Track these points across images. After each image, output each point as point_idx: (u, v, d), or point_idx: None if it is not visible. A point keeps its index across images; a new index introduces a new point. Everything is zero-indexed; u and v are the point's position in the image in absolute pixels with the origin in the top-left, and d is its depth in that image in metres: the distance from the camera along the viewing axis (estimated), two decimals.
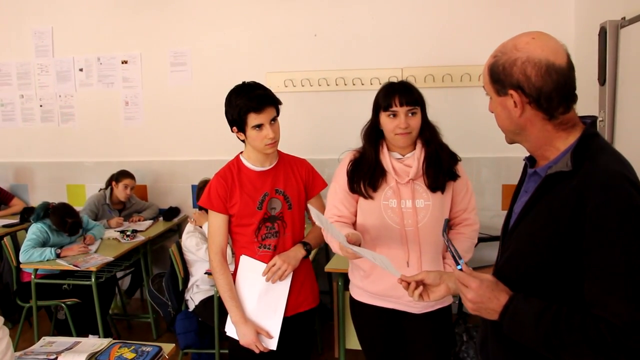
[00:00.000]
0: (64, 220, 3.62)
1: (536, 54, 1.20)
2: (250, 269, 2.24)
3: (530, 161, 1.38)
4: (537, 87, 1.20)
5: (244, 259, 2.26)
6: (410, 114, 2.04)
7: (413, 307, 2.15)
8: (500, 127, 1.34)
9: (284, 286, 2.25)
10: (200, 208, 3.40)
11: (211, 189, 2.23)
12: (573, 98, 1.25)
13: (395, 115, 2.04)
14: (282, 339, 2.24)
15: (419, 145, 2.11)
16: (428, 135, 2.10)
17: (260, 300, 2.24)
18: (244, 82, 2.18)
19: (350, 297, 2.31)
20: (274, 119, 2.15)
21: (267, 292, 2.23)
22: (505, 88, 1.24)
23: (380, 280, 2.14)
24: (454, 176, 2.12)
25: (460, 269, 1.31)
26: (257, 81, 2.20)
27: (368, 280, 2.18)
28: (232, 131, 2.19)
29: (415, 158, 2.09)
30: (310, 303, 2.37)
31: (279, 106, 2.18)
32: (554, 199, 1.21)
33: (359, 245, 1.93)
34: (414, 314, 2.17)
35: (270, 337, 2.23)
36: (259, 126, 2.11)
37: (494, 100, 1.30)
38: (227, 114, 2.16)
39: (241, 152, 2.30)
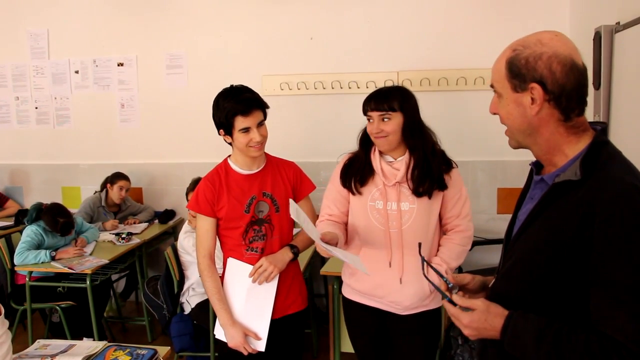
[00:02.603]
0: (55, 219, 3.61)
1: (562, 50, 1.17)
2: (238, 271, 2.24)
3: (537, 167, 1.35)
4: (561, 85, 1.17)
5: (231, 262, 2.27)
6: (383, 119, 2.09)
7: (395, 308, 2.19)
8: (510, 126, 1.28)
9: (271, 288, 2.25)
10: None
11: (199, 193, 2.24)
12: (586, 101, 1.22)
13: (372, 120, 2.12)
14: (271, 341, 2.25)
15: (407, 151, 2.15)
16: (412, 142, 2.12)
17: (248, 302, 2.24)
18: (231, 86, 2.18)
19: (342, 295, 2.37)
20: (261, 123, 2.16)
21: (254, 294, 2.23)
22: (527, 82, 1.19)
23: (364, 279, 2.20)
24: (443, 186, 2.13)
25: (450, 301, 1.30)
26: (252, 84, 2.22)
27: (354, 278, 2.25)
28: (219, 134, 2.20)
29: (403, 162, 2.13)
30: (299, 305, 2.37)
31: (267, 110, 2.19)
32: (561, 209, 1.17)
33: (336, 244, 2.02)
34: (398, 314, 2.20)
35: (259, 338, 2.23)
36: (246, 129, 2.11)
37: (507, 98, 1.25)
38: (215, 116, 2.17)
39: (229, 156, 2.30)
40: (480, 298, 1.28)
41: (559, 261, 1.16)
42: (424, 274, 1.52)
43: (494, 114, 1.32)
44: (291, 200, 2.03)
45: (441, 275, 1.40)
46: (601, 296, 1.10)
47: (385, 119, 2.09)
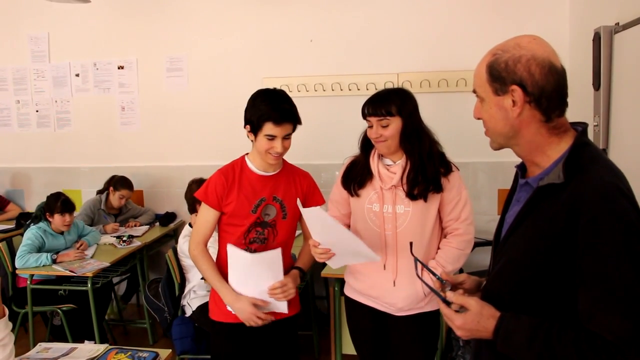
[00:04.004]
0: (57, 197, 3.67)
1: (539, 53, 1.21)
2: (239, 258, 2.19)
3: (522, 170, 1.37)
4: (540, 86, 1.20)
5: (232, 248, 2.19)
6: (382, 125, 2.10)
7: (390, 309, 2.21)
8: (492, 129, 1.31)
9: (278, 276, 2.20)
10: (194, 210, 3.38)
11: (210, 184, 2.24)
12: (566, 102, 1.25)
13: (371, 124, 2.13)
14: (264, 345, 2.24)
15: (404, 154, 2.15)
16: (409, 146, 2.12)
17: (255, 286, 2.19)
18: (275, 89, 2.20)
19: (344, 294, 2.39)
20: (288, 135, 2.16)
21: (261, 279, 2.18)
22: (507, 85, 1.22)
23: (361, 278, 2.24)
24: (438, 188, 2.13)
25: (444, 300, 1.30)
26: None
27: (353, 277, 2.29)
28: (245, 128, 2.18)
29: (400, 166, 2.14)
30: (292, 309, 2.35)
31: (298, 125, 2.19)
32: (546, 211, 1.20)
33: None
34: (394, 315, 2.21)
35: (267, 303, 2.19)
36: (272, 137, 2.11)
37: (489, 101, 1.28)
38: (247, 112, 2.16)
39: (247, 154, 2.30)
40: (474, 297, 1.29)
41: (547, 262, 1.18)
42: (416, 273, 1.52)
43: (478, 118, 1.35)
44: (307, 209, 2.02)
45: (434, 273, 1.41)
46: (588, 295, 1.12)
47: (384, 125, 2.09)
